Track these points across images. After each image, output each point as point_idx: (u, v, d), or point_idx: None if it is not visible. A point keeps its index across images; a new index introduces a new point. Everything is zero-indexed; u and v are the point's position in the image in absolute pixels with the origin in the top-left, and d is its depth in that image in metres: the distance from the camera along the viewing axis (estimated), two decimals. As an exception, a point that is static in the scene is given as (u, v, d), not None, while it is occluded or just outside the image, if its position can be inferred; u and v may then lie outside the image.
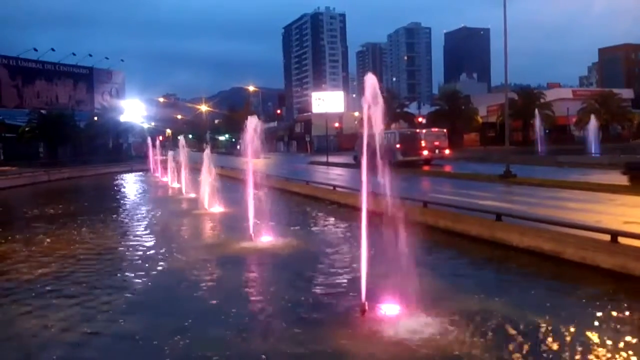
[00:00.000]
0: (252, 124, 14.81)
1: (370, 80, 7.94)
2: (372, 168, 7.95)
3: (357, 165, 25.99)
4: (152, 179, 45.32)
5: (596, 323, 7.80)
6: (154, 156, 53.13)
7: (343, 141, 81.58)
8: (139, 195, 33.25)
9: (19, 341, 7.87)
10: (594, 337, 7.19)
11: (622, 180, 20.93)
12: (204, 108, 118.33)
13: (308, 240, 15.01)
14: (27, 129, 63.19)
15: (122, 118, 78.27)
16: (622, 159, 27.16)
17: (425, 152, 41.90)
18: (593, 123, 49.10)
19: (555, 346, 6.95)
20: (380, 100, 7.91)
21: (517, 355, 6.74)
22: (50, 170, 47.48)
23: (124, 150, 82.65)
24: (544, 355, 6.74)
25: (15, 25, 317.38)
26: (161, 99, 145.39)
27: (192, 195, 26.44)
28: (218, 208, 21.29)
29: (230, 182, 30.52)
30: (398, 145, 40.25)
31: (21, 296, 10.16)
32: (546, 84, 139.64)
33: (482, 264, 12.21)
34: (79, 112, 75.68)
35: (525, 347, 6.95)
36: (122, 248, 15.04)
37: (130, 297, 9.99)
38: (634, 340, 7.10)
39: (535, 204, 17.06)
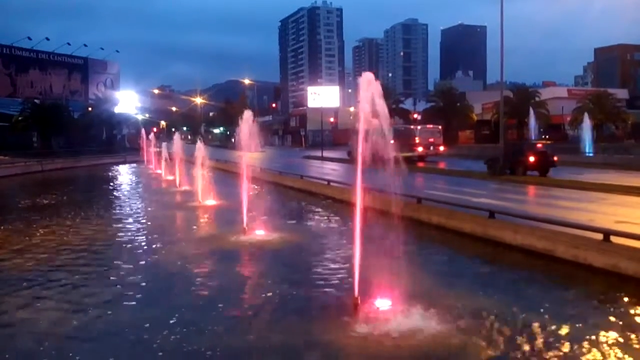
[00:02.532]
0: (247, 118, 14.84)
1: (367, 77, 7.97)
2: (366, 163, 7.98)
3: (351, 160, 25.98)
4: (145, 171, 45.09)
5: (588, 321, 7.83)
6: (147, 148, 52.87)
7: (338, 136, 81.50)
8: (132, 187, 33.09)
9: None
10: (585, 335, 7.20)
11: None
12: (199, 100, 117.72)
13: (301, 234, 14.96)
14: (20, 118, 62.65)
15: (117, 109, 77.77)
16: (488, 154, 31.38)
17: (420, 149, 41.95)
18: (587, 122, 49.28)
19: (546, 343, 6.96)
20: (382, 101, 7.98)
21: (508, 351, 6.76)
22: (43, 161, 47.12)
23: (118, 141, 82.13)
24: (535, 352, 6.76)
25: (10, 14, 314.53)
26: (156, 91, 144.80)
27: (186, 187, 26.35)
28: (212, 201, 21.24)
29: (225, 175, 30.48)
30: (392, 141, 40.19)
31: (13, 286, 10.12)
32: (541, 82, 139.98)
33: (475, 261, 12.24)
34: (73, 102, 75.21)
35: (517, 343, 6.96)
36: (113, 240, 14.90)
37: (120, 289, 9.93)
38: (625, 339, 7.13)
39: (527, 202, 17.16)
